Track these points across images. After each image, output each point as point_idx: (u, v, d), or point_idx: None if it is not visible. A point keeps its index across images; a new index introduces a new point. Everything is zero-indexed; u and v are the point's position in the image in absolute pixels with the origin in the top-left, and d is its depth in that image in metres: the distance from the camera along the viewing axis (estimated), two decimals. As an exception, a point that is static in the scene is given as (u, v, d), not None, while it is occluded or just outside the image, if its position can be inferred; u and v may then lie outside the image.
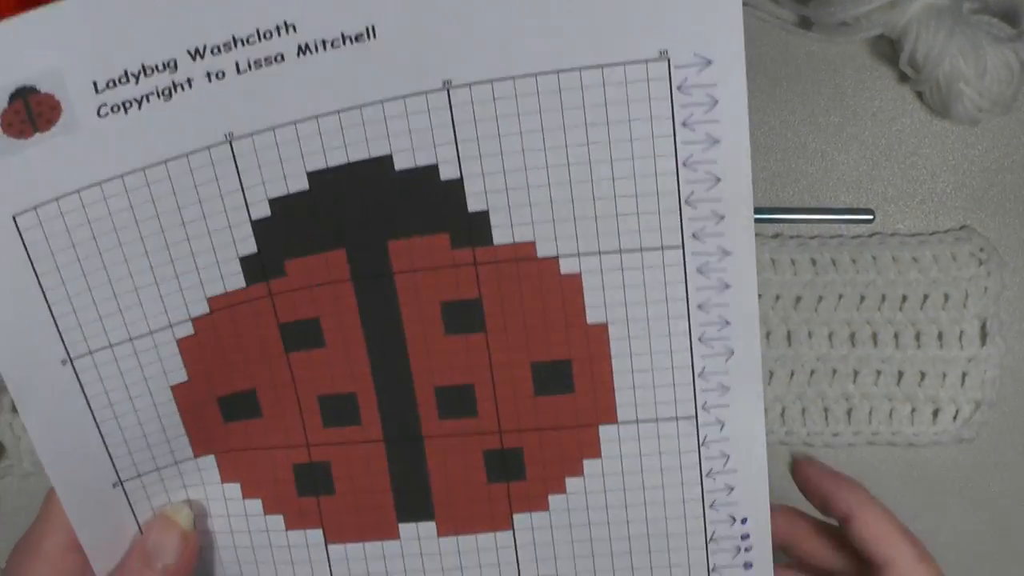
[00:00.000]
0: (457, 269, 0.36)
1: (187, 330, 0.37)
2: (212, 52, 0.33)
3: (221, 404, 0.38)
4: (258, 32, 0.33)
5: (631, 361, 0.36)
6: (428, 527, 0.38)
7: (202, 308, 0.36)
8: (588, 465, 0.37)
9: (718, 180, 0.33)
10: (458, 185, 0.35)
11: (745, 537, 0.37)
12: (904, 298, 0.51)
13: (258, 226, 0.36)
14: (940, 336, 0.51)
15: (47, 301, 0.36)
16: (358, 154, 0.34)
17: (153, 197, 0.35)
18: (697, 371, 0.36)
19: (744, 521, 0.37)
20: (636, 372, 0.36)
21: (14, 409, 0.53)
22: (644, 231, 0.34)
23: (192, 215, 0.35)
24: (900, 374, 0.51)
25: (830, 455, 0.52)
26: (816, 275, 0.51)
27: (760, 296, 0.51)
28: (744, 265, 0.34)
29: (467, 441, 0.37)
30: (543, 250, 0.35)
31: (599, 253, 0.35)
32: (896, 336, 0.51)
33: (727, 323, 0.35)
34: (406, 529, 0.39)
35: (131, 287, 0.36)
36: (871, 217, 0.51)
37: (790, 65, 0.52)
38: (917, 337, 0.51)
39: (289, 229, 0.35)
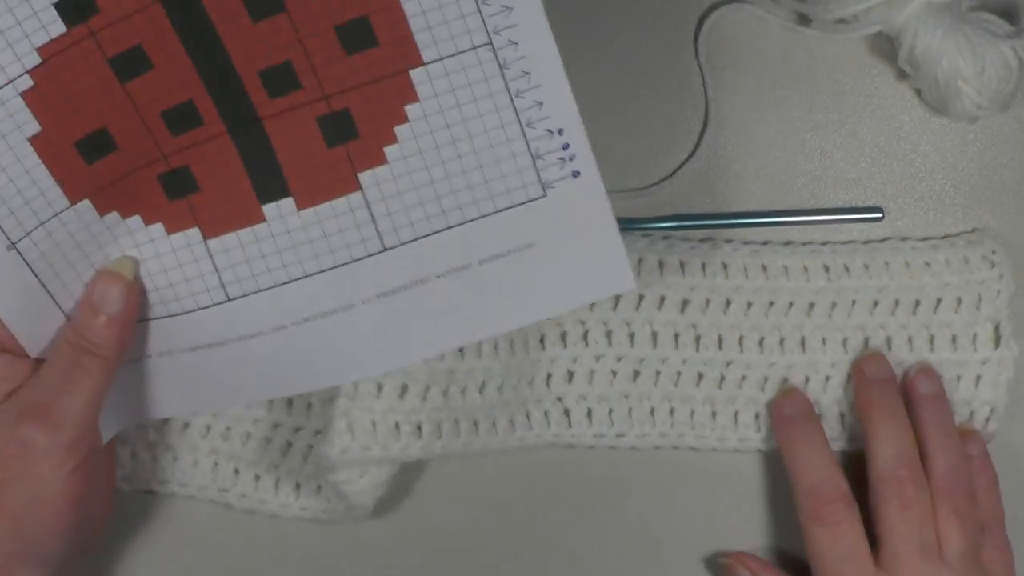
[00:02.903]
0: None
1: (27, 83, 0.40)
2: None
3: (79, 148, 0.41)
4: None
5: (420, 3, 0.39)
6: (287, 203, 0.42)
7: (34, 59, 0.40)
8: (410, 111, 0.41)
9: None
10: None
11: (566, 147, 0.40)
12: (917, 302, 0.51)
13: None
14: (954, 339, 0.51)
15: None
16: None
17: None
18: None
19: (560, 132, 0.40)
20: (428, 12, 0.39)
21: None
22: None
23: None
24: (915, 378, 0.51)
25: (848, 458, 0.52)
26: (829, 281, 0.51)
27: (773, 304, 0.51)
28: None
29: (300, 113, 0.41)
30: None
31: None
32: (910, 340, 0.51)
33: None
34: (269, 210, 0.42)
35: None
36: (880, 216, 0.52)
37: (789, 62, 0.53)
38: (931, 341, 0.51)
39: None
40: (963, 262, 0.51)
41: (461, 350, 0.47)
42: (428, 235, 0.42)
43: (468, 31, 0.39)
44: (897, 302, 0.51)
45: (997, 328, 0.51)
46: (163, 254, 0.43)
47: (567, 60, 0.40)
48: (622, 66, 0.52)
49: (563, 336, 0.51)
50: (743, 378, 0.51)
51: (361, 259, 0.43)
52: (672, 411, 0.51)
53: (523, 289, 0.43)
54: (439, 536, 0.53)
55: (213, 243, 0.43)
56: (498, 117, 0.40)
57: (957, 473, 0.47)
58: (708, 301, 0.51)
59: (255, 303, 0.43)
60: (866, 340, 0.51)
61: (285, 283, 0.43)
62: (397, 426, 0.46)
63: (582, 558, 0.52)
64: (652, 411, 0.51)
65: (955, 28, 0.48)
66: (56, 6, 0.39)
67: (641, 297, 0.51)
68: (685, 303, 0.51)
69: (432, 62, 0.40)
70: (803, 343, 0.51)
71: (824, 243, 0.52)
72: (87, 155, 0.41)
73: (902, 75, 0.52)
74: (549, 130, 0.40)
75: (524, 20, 0.39)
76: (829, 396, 0.51)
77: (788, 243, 0.52)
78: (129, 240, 0.43)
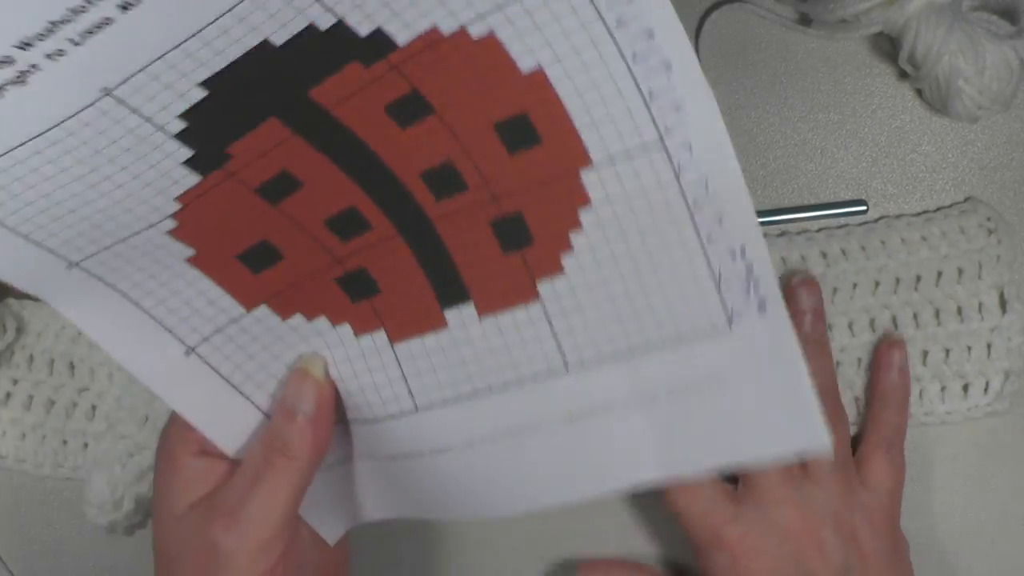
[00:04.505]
0: (381, 79, 0.36)
1: (171, 224, 0.39)
2: (39, 39, 0.32)
3: (243, 260, 0.40)
4: (70, 10, 0.32)
5: (581, 98, 0.35)
6: (468, 309, 0.40)
7: (174, 207, 0.38)
8: (584, 216, 0.37)
9: None
10: (340, 26, 0.35)
11: (750, 271, 0.35)
12: (918, 278, 0.51)
13: (181, 136, 0.36)
14: (959, 311, 0.51)
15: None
16: (236, 53, 0.34)
17: (73, 148, 0.35)
18: (645, 93, 0.34)
19: (743, 252, 0.35)
20: (591, 107, 0.35)
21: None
22: None
23: (115, 152, 0.36)
24: (925, 353, 0.51)
25: (866, 443, 0.52)
26: (828, 267, 0.52)
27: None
28: None
29: (470, 216, 0.38)
30: (446, 27, 0.35)
31: (500, 8, 0.34)
32: (915, 316, 0.51)
33: (651, 35, 0.33)
34: (450, 316, 0.40)
35: (100, 211, 0.37)
36: (864, 208, 0.52)
37: (790, 62, 0.53)
38: (936, 315, 0.51)
39: (210, 127, 0.36)
40: (959, 232, 0.51)
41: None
42: (611, 360, 0.39)
43: (637, 128, 0.35)
44: (898, 280, 0.51)
45: (1002, 294, 0.51)
46: (353, 358, 0.42)
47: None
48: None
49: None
50: (753, 373, 0.51)
51: (545, 378, 0.39)
52: (686, 414, 0.51)
53: (712, 434, 0.38)
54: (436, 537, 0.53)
55: (400, 348, 0.41)
56: (676, 231, 0.36)
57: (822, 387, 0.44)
58: (709, 301, 0.51)
59: (442, 415, 0.41)
60: (871, 321, 0.51)
61: (470, 396, 0.41)
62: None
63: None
64: (666, 416, 0.51)
65: (956, 28, 0.48)
66: (185, 163, 0.37)
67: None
68: (687, 306, 0.51)
69: (602, 163, 0.36)
70: (809, 332, 0.51)
71: (819, 230, 0.52)
72: (252, 266, 0.40)
73: (903, 75, 0.52)
74: (732, 249, 0.35)
75: (697, 120, 0.34)
76: (841, 381, 0.51)
77: (782, 234, 0.52)
78: (319, 340, 0.42)
